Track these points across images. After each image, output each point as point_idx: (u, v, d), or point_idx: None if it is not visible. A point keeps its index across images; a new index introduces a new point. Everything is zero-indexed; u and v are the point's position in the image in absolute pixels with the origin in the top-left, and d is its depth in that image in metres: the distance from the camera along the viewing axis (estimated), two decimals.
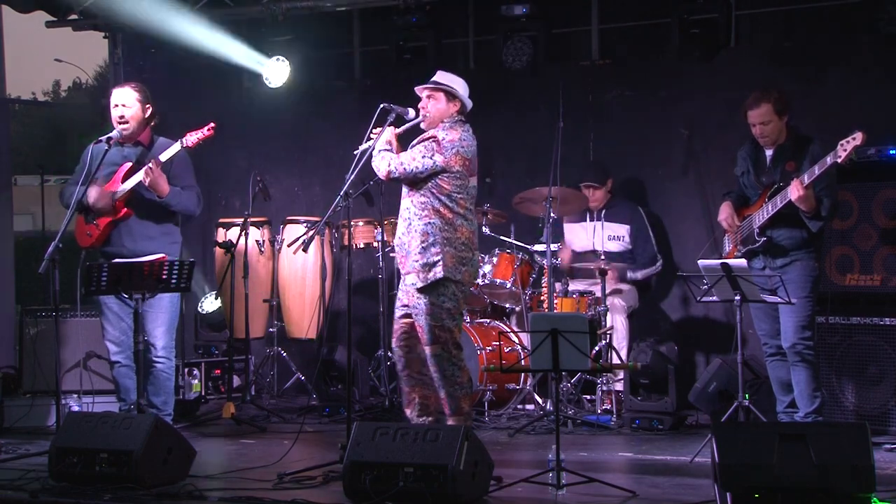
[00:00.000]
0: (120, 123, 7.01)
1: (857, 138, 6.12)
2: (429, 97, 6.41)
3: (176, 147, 6.87)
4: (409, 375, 6.43)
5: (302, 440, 6.59)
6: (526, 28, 8.72)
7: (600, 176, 8.33)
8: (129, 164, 6.97)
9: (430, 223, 6.25)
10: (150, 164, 6.79)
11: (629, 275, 8.17)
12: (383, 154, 6.33)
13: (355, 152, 6.40)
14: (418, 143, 6.36)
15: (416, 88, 6.48)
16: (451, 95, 6.40)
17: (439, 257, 6.21)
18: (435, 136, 6.28)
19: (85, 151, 7.08)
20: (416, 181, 6.27)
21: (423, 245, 6.24)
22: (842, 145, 6.17)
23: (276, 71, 9.19)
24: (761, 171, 6.73)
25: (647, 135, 8.69)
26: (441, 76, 6.45)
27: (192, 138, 6.87)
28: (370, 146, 6.33)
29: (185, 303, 7.39)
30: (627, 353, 7.84)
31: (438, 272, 6.20)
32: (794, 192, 6.31)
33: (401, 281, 6.49)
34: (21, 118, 33.49)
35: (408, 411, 6.46)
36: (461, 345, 6.38)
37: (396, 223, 6.55)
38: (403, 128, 6.45)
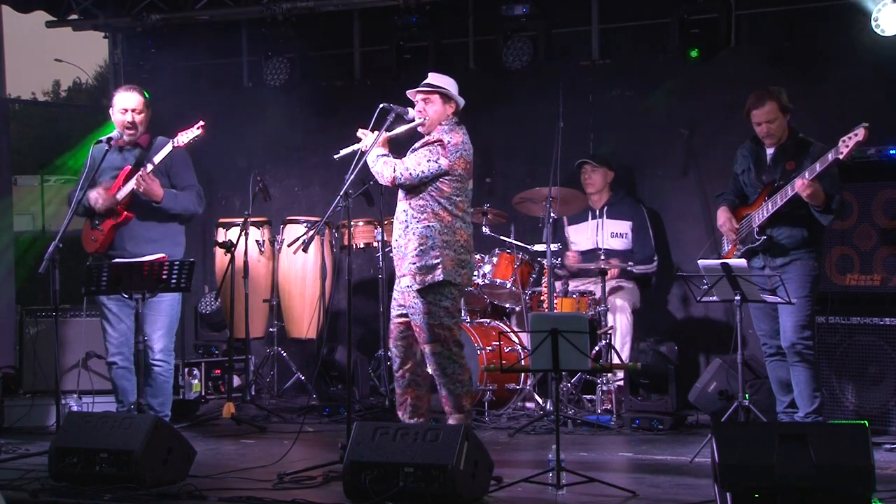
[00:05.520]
0: (128, 128, 7.01)
1: (860, 134, 6.12)
2: (424, 100, 6.40)
3: (168, 148, 6.88)
4: (403, 376, 6.42)
5: (302, 440, 6.58)
6: (526, 28, 8.73)
7: (599, 158, 8.36)
8: (129, 168, 6.98)
9: (428, 226, 6.24)
10: (140, 173, 6.78)
11: (628, 266, 8.15)
12: (385, 160, 6.30)
13: (335, 157, 6.39)
14: (421, 146, 6.34)
15: (408, 92, 6.46)
16: (446, 97, 6.39)
17: (438, 260, 6.20)
18: (440, 140, 6.26)
19: (89, 154, 7.08)
20: (419, 185, 6.26)
21: (422, 248, 6.22)
22: (843, 142, 6.17)
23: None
24: (762, 169, 6.73)
25: (647, 135, 8.69)
26: (434, 78, 6.44)
27: (182, 138, 6.87)
28: (356, 150, 6.30)
29: (184, 303, 7.37)
30: (630, 351, 7.84)
31: (438, 275, 6.19)
32: (801, 189, 6.30)
33: (396, 282, 6.47)
34: (21, 118, 33.46)
35: (400, 413, 6.44)
36: (461, 342, 6.38)
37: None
38: (396, 131, 6.41)
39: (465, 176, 6.32)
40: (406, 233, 6.30)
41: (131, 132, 7.03)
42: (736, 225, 6.77)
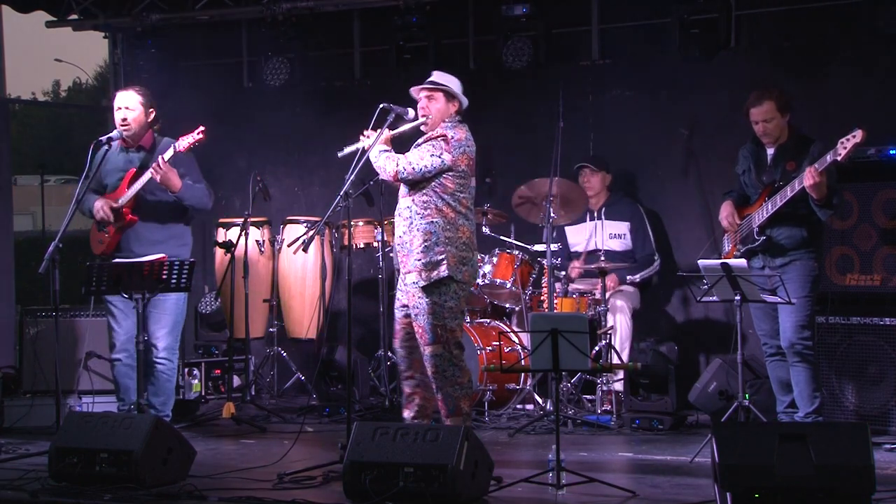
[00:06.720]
0: (122, 126, 7.05)
1: (857, 136, 6.13)
2: (428, 98, 6.40)
3: (170, 152, 6.90)
4: (412, 377, 6.40)
5: (302, 440, 6.58)
6: (526, 28, 8.73)
7: (598, 162, 8.36)
8: (133, 170, 7.01)
9: (432, 222, 6.23)
10: (158, 161, 6.82)
11: (628, 278, 8.17)
12: (388, 155, 6.30)
13: (339, 154, 6.41)
14: (424, 142, 6.34)
15: (412, 90, 6.46)
16: (449, 95, 6.39)
17: (443, 256, 6.18)
18: (444, 135, 6.25)
19: (89, 154, 7.12)
20: (422, 180, 6.25)
21: (426, 244, 6.21)
22: (842, 143, 6.18)
23: None
24: (762, 169, 6.73)
25: (647, 135, 8.69)
26: (438, 76, 6.44)
27: (183, 142, 6.90)
28: (358, 148, 6.31)
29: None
30: (629, 353, 7.84)
31: (443, 271, 6.17)
32: (808, 178, 6.29)
33: (399, 281, 6.47)
34: (21, 118, 33.47)
35: (406, 412, 6.43)
36: (462, 345, 6.37)
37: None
38: (399, 129, 6.41)
39: (468, 172, 6.32)
40: (410, 229, 6.28)
41: (125, 129, 7.05)
42: (738, 221, 6.77)
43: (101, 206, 7.00)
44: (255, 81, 9.80)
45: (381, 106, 6.32)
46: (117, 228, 7.02)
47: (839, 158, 6.19)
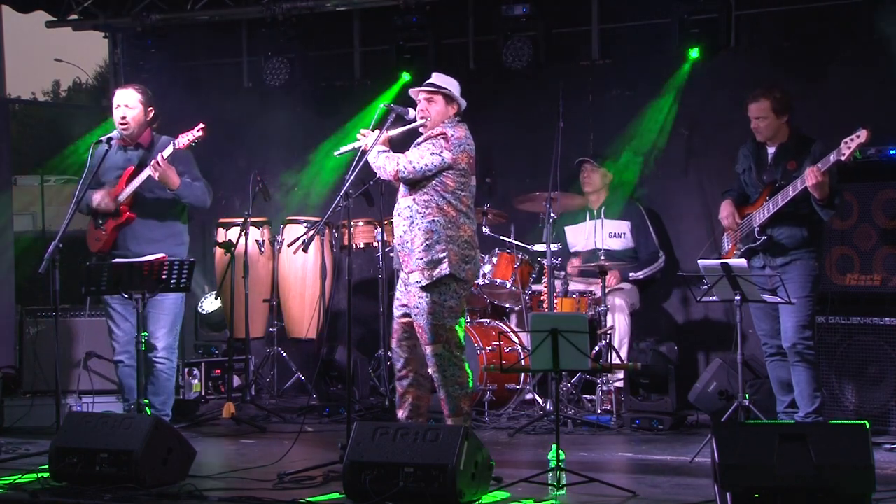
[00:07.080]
0: (121, 124, 7.05)
1: (862, 136, 6.12)
2: (427, 100, 6.39)
3: (169, 149, 6.90)
4: (406, 376, 6.39)
5: (302, 440, 6.58)
6: (526, 28, 8.73)
7: (599, 159, 8.37)
8: (132, 168, 7.01)
9: (433, 221, 6.22)
10: (157, 159, 6.82)
11: (630, 275, 8.18)
12: (388, 155, 6.30)
13: (336, 154, 6.43)
14: (424, 140, 6.34)
15: (411, 91, 6.46)
16: (449, 98, 6.38)
17: (444, 255, 6.18)
18: (443, 133, 6.25)
19: (89, 154, 7.12)
20: (422, 179, 6.25)
21: (428, 243, 6.20)
22: (845, 143, 6.17)
23: None
24: (763, 169, 6.73)
25: (647, 135, 8.68)
26: (437, 78, 6.44)
27: (183, 140, 6.90)
28: (356, 147, 6.31)
29: (185, 303, 7.38)
30: (628, 352, 7.84)
31: (445, 269, 6.16)
32: (810, 178, 6.28)
33: (399, 281, 6.46)
34: (21, 118, 33.44)
35: (399, 412, 6.41)
36: (463, 345, 6.37)
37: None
38: (398, 130, 6.41)
39: (469, 171, 6.31)
40: (412, 228, 6.27)
41: (124, 127, 7.06)
42: (738, 220, 6.77)
43: (101, 196, 7.00)
44: (255, 81, 9.80)
45: (381, 106, 6.33)
46: (114, 226, 7.01)
47: (843, 158, 6.18)
